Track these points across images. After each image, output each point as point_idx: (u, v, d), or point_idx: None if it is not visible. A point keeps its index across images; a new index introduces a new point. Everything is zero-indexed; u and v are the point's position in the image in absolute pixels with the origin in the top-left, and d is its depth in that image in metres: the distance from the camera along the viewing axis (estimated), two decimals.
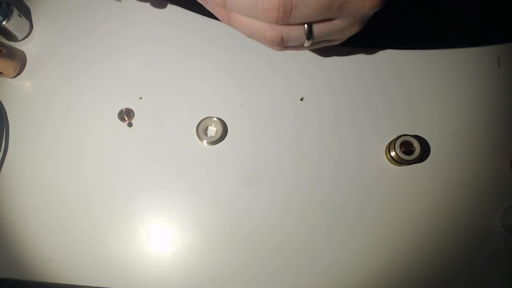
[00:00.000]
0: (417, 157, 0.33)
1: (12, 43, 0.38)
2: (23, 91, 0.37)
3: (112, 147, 0.36)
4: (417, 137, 0.34)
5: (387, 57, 0.37)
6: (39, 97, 0.37)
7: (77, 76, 0.38)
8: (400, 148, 0.34)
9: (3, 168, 0.36)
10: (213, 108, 0.37)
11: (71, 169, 0.36)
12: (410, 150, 0.34)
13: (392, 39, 0.37)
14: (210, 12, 0.28)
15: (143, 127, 0.36)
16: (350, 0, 0.23)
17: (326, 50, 0.37)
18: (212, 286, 0.34)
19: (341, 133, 0.36)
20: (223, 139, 0.36)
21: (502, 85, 0.37)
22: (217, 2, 0.24)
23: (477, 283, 0.33)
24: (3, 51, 0.35)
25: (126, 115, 0.36)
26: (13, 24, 0.36)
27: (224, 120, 0.36)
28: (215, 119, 0.36)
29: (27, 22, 0.38)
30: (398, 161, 0.34)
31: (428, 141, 0.36)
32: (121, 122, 0.36)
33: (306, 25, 0.25)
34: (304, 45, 0.26)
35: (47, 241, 0.34)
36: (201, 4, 0.28)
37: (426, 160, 0.35)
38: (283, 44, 0.26)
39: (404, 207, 0.35)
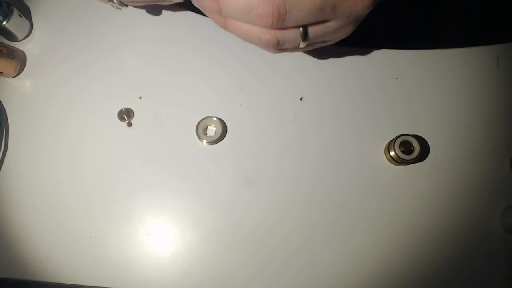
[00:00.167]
0: (416, 156, 0.33)
1: (12, 43, 0.38)
2: (23, 91, 0.38)
3: (112, 147, 0.36)
4: (416, 137, 0.34)
5: (387, 57, 0.37)
6: (39, 97, 0.37)
7: (77, 76, 0.38)
8: (400, 148, 0.34)
9: (3, 168, 0.36)
10: (212, 108, 0.37)
11: (71, 168, 0.36)
12: (410, 149, 0.34)
13: (391, 39, 0.37)
14: None
15: (142, 126, 0.36)
16: (342, 1, 0.23)
17: (325, 50, 0.37)
18: (212, 286, 0.34)
19: (340, 133, 0.36)
20: (223, 139, 0.36)
21: (501, 85, 0.37)
22: (213, 9, 0.24)
23: (476, 282, 0.33)
24: (3, 51, 0.35)
25: (125, 114, 0.36)
26: (13, 24, 0.36)
27: (224, 120, 0.36)
28: (214, 118, 0.36)
29: (27, 22, 0.38)
30: (397, 161, 0.34)
31: (428, 141, 0.36)
32: (121, 122, 0.36)
33: (301, 28, 0.25)
34: (300, 46, 0.27)
35: (46, 240, 0.34)
36: None
37: (425, 160, 0.35)
38: (279, 46, 0.26)
39: (403, 206, 0.35)
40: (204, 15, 0.38)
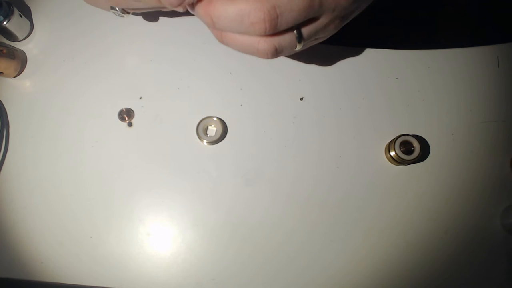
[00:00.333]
0: (416, 156, 0.33)
1: (12, 43, 0.38)
2: (23, 91, 0.38)
3: (112, 147, 0.36)
4: (416, 137, 0.34)
5: (387, 57, 0.38)
6: (40, 97, 0.37)
7: (78, 76, 0.38)
8: (400, 148, 0.34)
9: (3, 168, 0.36)
10: (213, 108, 0.37)
11: (71, 168, 0.36)
12: (410, 149, 0.34)
13: (391, 39, 0.37)
14: None
15: (143, 127, 0.36)
16: None
17: (326, 50, 0.37)
18: (212, 286, 0.34)
19: (340, 133, 0.36)
20: (223, 138, 0.36)
21: (501, 85, 0.37)
22: (208, 23, 0.24)
23: (476, 282, 0.33)
24: (4, 51, 0.35)
25: (126, 114, 0.36)
26: (14, 24, 0.36)
27: (224, 120, 0.36)
28: (215, 118, 0.36)
29: (27, 22, 0.38)
30: (397, 161, 0.34)
31: (428, 141, 0.36)
32: (121, 122, 0.36)
33: (295, 31, 0.25)
34: (296, 49, 0.27)
35: (46, 240, 0.34)
36: None
37: (425, 160, 0.35)
38: (277, 54, 0.26)
39: (403, 206, 0.35)
40: None
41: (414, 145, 0.34)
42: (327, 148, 0.36)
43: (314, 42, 0.29)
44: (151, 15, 0.38)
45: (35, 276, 0.34)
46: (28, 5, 0.39)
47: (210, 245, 0.34)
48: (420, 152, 0.34)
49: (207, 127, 0.36)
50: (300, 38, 0.26)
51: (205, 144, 0.36)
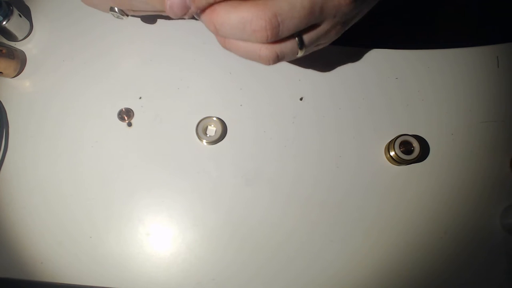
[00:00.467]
0: (416, 156, 0.33)
1: (12, 43, 0.38)
2: (23, 91, 0.37)
3: (112, 147, 0.36)
4: (416, 137, 0.34)
5: (387, 57, 0.37)
6: (39, 97, 0.37)
7: (77, 76, 0.38)
8: (400, 148, 0.34)
9: (3, 168, 0.36)
10: (212, 108, 0.37)
11: (71, 168, 0.36)
12: (410, 149, 0.34)
13: (391, 39, 0.37)
14: None
15: (142, 126, 0.36)
16: (327, 1, 0.24)
17: (326, 50, 0.37)
18: (212, 286, 0.34)
19: (340, 133, 0.36)
20: (223, 138, 0.36)
21: (501, 85, 0.37)
22: (211, 30, 0.25)
23: (476, 282, 0.33)
24: (4, 51, 0.35)
25: (125, 114, 0.36)
26: (13, 24, 0.36)
27: (224, 120, 0.36)
28: (214, 118, 0.36)
29: (27, 22, 0.38)
30: (397, 161, 0.34)
31: (428, 141, 0.36)
32: (121, 122, 0.36)
33: (296, 38, 0.26)
34: (298, 55, 0.27)
35: (46, 240, 0.34)
36: None
37: (425, 160, 0.35)
38: (278, 60, 0.27)
39: (403, 206, 0.35)
40: None
41: (413, 145, 0.34)
42: (327, 148, 0.36)
43: (315, 48, 0.29)
44: (150, 18, 0.38)
45: (35, 276, 0.34)
46: (28, 5, 0.39)
47: (210, 245, 0.34)
48: (419, 152, 0.34)
49: (207, 127, 0.36)
50: (301, 44, 0.26)
51: (205, 144, 0.36)
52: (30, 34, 0.39)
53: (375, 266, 0.34)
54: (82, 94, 0.37)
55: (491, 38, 0.38)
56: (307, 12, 0.23)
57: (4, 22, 0.35)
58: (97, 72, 0.38)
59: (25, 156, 0.36)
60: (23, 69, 0.38)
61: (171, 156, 0.36)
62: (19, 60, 0.37)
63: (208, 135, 0.36)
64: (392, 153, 0.34)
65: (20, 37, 0.38)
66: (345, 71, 0.37)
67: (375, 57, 0.38)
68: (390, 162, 0.35)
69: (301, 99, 0.37)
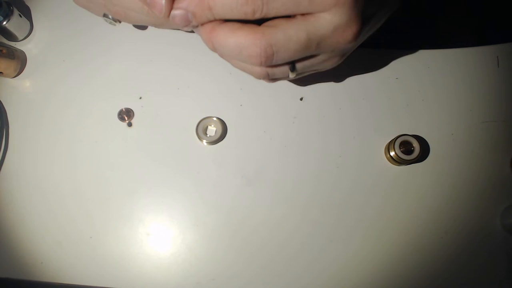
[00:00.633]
0: (416, 157, 0.33)
1: (12, 43, 0.38)
2: (23, 91, 0.38)
3: (112, 147, 0.36)
4: (416, 137, 0.34)
5: (387, 57, 0.38)
6: (39, 97, 0.37)
7: (77, 76, 0.38)
8: (400, 148, 0.34)
9: (3, 168, 0.36)
10: (212, 108, 0.37)
11: (71, 168, 0.36)
12: (410, 149, 0.34)
13: (391, 39, 0.37)
14: None
15: (143, 127, 0.36)
16: (325, 38, 0.24)
17: None
18: (212, 286, 0.34)
19: (340, 133, 0.36)
20: (223, 139, 0.36)
21: (501, 85, 0.37)
22: (209, 48, 0.26)
23: (476, 282, 0.33)
24: (4, 51, 0.35)
25: (126, 114, 0.36)
26: (14, 24, 0.36)
27: (224, 120, 0.36)
28: (214, 119, 0.36)
29: (27, 22, 0.38)
30: (397, 161, 0.34)
31: (428, 141, 0.36)
32: (121, 122, 0.36)
33: (289, 65, 0.26)
34: (289, 77, 0.28)
35: (46, 240, 0.34)
36: None
37: (425, 160, 0.35)
38: (269, 78, 0.28)
39: (403, 206, 0.35)
40: None
41: (414, 145, 0.34)
42: (327, 148, 0.36)
43: (312, 72, 0.30)
44: (142, 26, 0.38)
45: (35, 276, 0.34)
46: (28, 5, 0.39)
47: (210, 245, 0.34)
48: (420, 152, 0.33)
49: (207, 127, 0.36)
50: (293, 68, 0.27)
51: (205, 144, 0.36)
52: (30, 34, 0.39)
53: (376, 266, 0.34)
54: (82, 94, 0.37)
55: (492, 38, 0.38)
56: (302, 46, 0.24)
57: (4, 22, 0.35)
58: (97, 72, 0.38)
59: (25, 156, 0.36)
60: (23, 69, 0.38)
61: (171, 156, 0.36)
62: (19, 60, 0.37)
63: (208, 135, 0.36)
64: (392, 153, 0.34)
65: (20, 37, 0.38)
66: (345, 71, 0.37)
67: (375, 57, 0.38)
68: (390, 162, 0.35)
69: (301, 99, 0.37)
